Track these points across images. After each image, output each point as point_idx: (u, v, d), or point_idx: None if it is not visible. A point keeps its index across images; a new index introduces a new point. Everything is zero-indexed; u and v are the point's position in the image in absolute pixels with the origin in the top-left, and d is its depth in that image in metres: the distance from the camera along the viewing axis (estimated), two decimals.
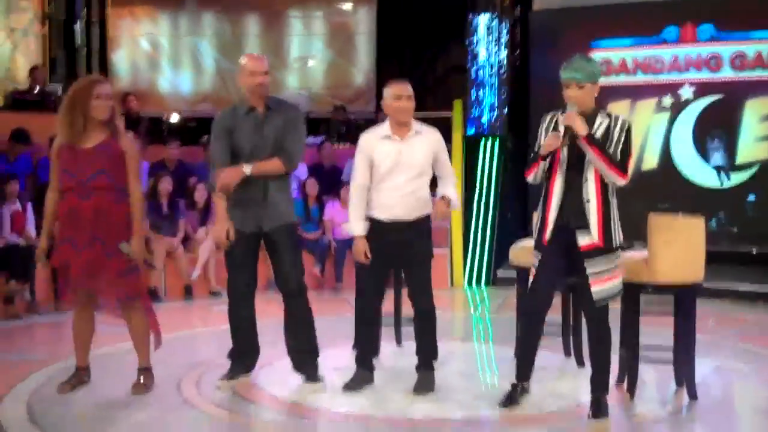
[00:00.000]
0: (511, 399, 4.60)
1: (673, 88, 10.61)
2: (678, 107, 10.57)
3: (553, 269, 4.54)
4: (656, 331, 5.24)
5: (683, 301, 4.98)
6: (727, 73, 10.39)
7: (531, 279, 4.57)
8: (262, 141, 5.02)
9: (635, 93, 10.78)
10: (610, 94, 10.79)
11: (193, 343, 6.86)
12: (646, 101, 10.74)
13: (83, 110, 4.78)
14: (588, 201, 4.39)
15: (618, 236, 4.44)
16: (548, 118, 4.57)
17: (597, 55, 10.77)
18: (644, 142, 10.70)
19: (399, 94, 4.92)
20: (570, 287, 5.45)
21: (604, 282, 4.42)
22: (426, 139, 5.00)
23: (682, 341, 4.99)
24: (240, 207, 5.06)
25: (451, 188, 5.02)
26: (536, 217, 4.63)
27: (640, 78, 10.77)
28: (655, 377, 5.21)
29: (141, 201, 4.97)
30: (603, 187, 4.41)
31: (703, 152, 10.43)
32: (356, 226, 4.98)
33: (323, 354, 5.24)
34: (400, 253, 4.98)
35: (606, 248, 4.40)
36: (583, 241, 4.41)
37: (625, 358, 5.04)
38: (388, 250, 4.96)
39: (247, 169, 4.96)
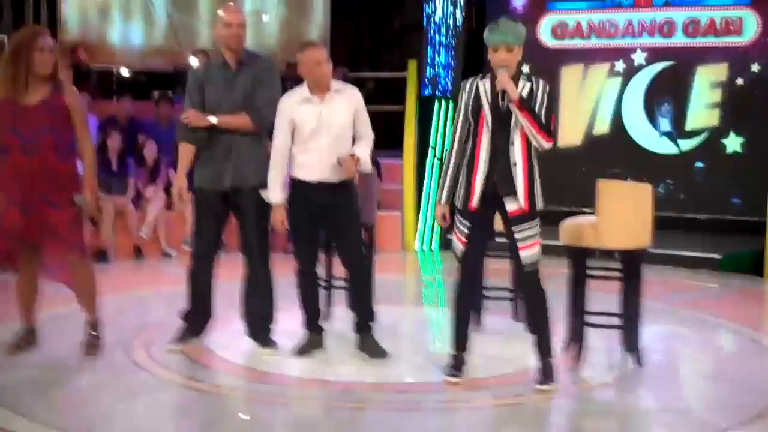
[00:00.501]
0: (454, 368, 4.64)
1: (626, 52, 10.66)
2: (630, 72, 10.63)
3: (482, 239, 4.59)
4: (603, 296, 5.31)
5: (630, 266, 5.05)
6: (679, 39, 10.46)
7: (460, 248, 4.55)
8: (231, 96, 4.99)
9: (589, 57, 10.82)
10: (563, 57, 10.85)
11: (142, 304, 6.81)
12: (599, 65, 10.78)
13: (25, 64, 4.64)
14: (515, 164, 4.42)
15: (540, 201, 4.48)
16: (468, 85, 4.54)
17: (552, 17, 10.81)
18: (596, 107, 10.76)
19: (319, 59, 4.88)
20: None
21: (531, 247, 4.48)
22: (346, 99, 4.99)
23: (628, 307, 5.07)
24: (205, 164, 5.05)
25: (365, 148, 5.00)
26: (450, 178, 4.59)
27: (594, 42, 10.80)
28: (601, 343, 5.29)
29: (92, 155, 4.89)
30: (528, 150, 4.44)
31: (654, 118, 10.53)
32: (274, 194, 4.97)
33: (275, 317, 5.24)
34: (327, 215, 5.00)
35: (531, 214, 4.46)
36: (511, 206, 4.45)
37: (572, 323, 5.12)
38: (314, 211, 4.97)
39: (213, 118, 4.93)
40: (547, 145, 4.40)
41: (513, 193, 4.43)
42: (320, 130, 4.91)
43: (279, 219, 4.98)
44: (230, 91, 5.01)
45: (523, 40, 4.43)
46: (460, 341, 4.68)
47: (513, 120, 4.39)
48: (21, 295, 4.96)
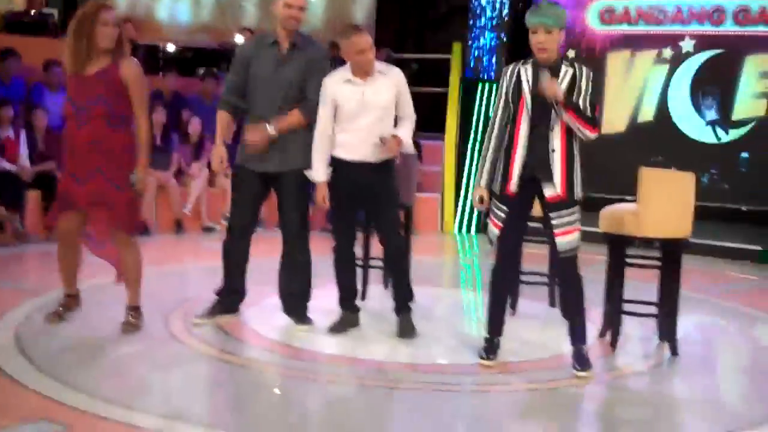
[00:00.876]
0: (488, 351, 4.67)
1: (674, 39, 10.52)
2: (678, 60, 10.50)
3: (519, 223, 4.58)
4: (641, 285, 5.28)
5: (669, 255, 5.02)
6: (729, 27, 10.30)
7: (495, 232, 4.56)
8: (278, 78, 5.00)
9: (636, 43, 10.71)
10: (610, 43, 10.74)
11: (182, 277, 6.90)
12: (646, 52, 10.67)
13: (88, 37, 4.70)
14: (553, 151, 4.40)
15: (579, 189, 4.46)
16: (509, 70, 4.53)
17: (601, 2, 10.70)
18: (641, 94, 10.66)
19: (362, 47, 4.86)
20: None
21: (568, 233, 4.45)
22: (389, 80, 4.98)
23: (666, 296, 5.04)
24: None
25: (407, 130, 5.00)
26: (489, 162, 4.58)
27: (642, 28, 10.68)
28: (637, 331, 5.27)
29: (148, 130, 4.89)
30: (569, 137, 4.42)
31: (700, 107, 10.39)
32: (318, 173, 4.99)
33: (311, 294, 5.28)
34: (367, 195, 5.02)
35: (569, 200, 4.43)
36: (549, 192, 4.44)
37: (609, 310, 5.10)
38: (354, 190, 4.99)
39: (271, 129, 4.96)
40: (592, 135, 4.39)
41: (550, 179, 4.42)
42: (362, 111, 4.92)
43: (321, 196, 5.01)
44: (279, 71, 5.00)
45: (563, 24, 4.40)
46: (495, 325, 4.69)
47: (554, 109, 4.37)
48: (63, 261, 5.01)
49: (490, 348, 4.67)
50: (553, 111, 4.37)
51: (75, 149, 4.76)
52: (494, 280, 4.65)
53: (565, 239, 4.46)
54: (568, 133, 4.41)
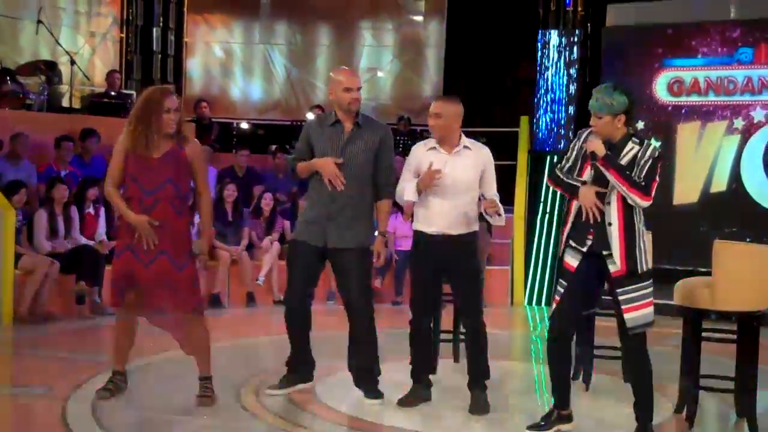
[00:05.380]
0: (543, 424, 4.57)
1: (745, 109, 10.42)
2: (749, 129, 10.37)
3: (578, 296, 4.50)
4: (719, 359, 5.15)
5: (746, 328, 4.90)
6: None
7: (553, 306, 4.54)
8: (345, 156, 5.04)
9: (706, 114, 10.61)
10: (680, 114, 10.67)
11: (254, 350, 6.97)
12: (717, 123, 10.56)
13: (155, 123, 4.82)
14: (610, 224, 4.34)
15: (644, 262, 4.36)
16: (584, 134, 4.53)
17: (668, 74, 10.67)
18: (713, 164, 10.52)
19: (435, 112, 4.96)
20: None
21: (636, 309, 4.35)
22: (474, 156, 5.01)
23: (743, 371, 4.91)
24: (308, 218, 5.16)
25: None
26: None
27: (712, 99, 10.59)
28: (715, 407, 5.13)
29: (210, 203, 5.06)
30: (626, 210, 4.34)
31: None
32: (408, 192, 4.96)
33: (382, 367, 5.26)
34: (447, 269, 5.02)
35: (634, 274, 4.33)
36: (613, 267, 4.36)
37: (685, 386, 4.98)
38: (435, 264, 4.99)
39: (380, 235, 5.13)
40: (642, 202, 4.31)
41: (610, 253, 4.35)
42: (441, 182, 4.90)
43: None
44: (345, 153, 5.05)
45: (614, 110, 4.33)
46: (560, 399, 4.60)
47: (609, 180, 4.33)
48: (118, 338, 5.07)
49: (547, 420, 4.58)
50: (610, 184, 4.32)
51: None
52: (547, 356, 4.60)
53: (632, 315, 4.35)
54: (626, 206, 4.34)
